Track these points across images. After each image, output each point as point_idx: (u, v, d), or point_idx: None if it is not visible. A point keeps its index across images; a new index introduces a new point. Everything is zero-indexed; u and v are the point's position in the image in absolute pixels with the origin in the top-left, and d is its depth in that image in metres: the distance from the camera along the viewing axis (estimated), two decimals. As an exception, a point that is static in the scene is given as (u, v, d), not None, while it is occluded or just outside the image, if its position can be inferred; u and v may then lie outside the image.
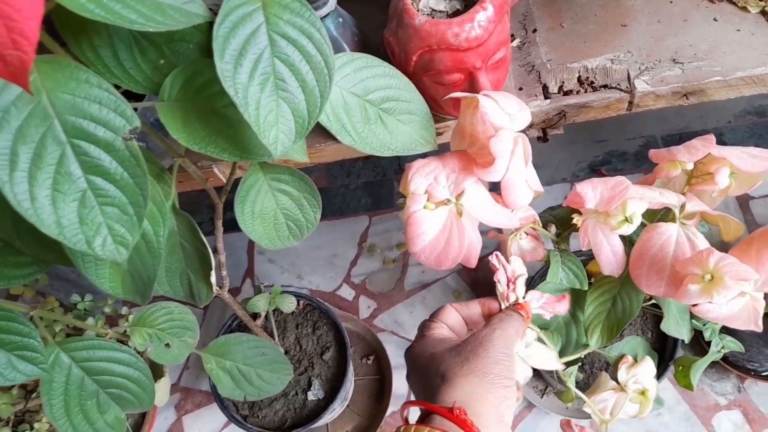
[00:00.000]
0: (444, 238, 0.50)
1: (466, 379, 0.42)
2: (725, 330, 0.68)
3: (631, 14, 0.71)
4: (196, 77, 0.46)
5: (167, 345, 0.70)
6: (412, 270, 1.27)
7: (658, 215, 0.57)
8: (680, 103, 0.66)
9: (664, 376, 0.94)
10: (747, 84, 0.64)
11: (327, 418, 1.03)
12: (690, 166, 0.55)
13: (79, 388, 0.60)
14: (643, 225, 0.53)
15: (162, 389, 0.99)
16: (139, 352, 0.65)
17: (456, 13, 0.57)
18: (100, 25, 0.41)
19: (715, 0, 0.69)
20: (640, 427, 1.08)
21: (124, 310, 1.04)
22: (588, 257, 0.58)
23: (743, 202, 1.21)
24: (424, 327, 0.50)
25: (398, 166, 1.40)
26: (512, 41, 0.71)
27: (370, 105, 0.55)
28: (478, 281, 1.25)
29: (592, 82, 0.66)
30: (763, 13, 0.67)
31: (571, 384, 0.65)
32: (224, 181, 0.69)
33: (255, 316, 0.98)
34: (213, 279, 0.63)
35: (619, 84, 0.65)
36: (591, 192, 0.52)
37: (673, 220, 0.52)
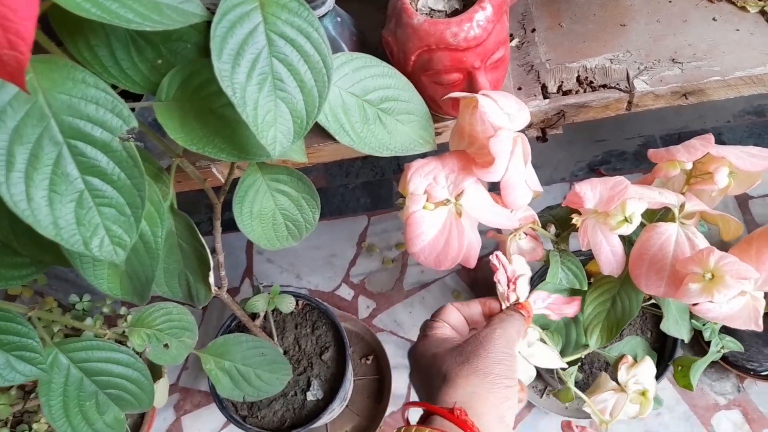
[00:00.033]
0: (443, 239, 0.50)
1: (467, 380, 0.42)
2: (725, 330, 0.68)
3: (630, 14, 0.71)
4: (193, 77, 0.46)
5: (166, 345, 0.70)
6: (411, 270, 1.27)
7: (657, 215, 0.57)
8: (679, 102, 0.66)
9: (663, 376, 0.94)
10: (746, 84, 0.64)
11: (326, 418, 1.03)
12: (689, 166, 0.55)
13: (77, 388, 0.60)
14: (642, 225, 0.53)
15: (161, 390, 0.99)
16: (137, 353, 0.65)
17: (455, 13, 0.57)
18: (97, 24, 0.41)
19: (714, 0, 0.69)
20: (640, 426, 1.07)
21: (123, 310, 1.04)
22: (587, 257, 0.58)
23: (742, 201, 1.21)
24: (426, 327, 0.50)
25: (397, 166, 1.40)
26: (511, 41, 0.71)
27: (368, 105, 0.55)
28: (477, 281, 1.24)
29: (591, 82, 0.66)
30: (762, 12, 0.67)
31: (570, 384, 0.65)
32: (222, 181, 0.69)
33: (254, 316, 0.98)
34: (211, 279, 0.63)
35: (618, 84, 0.65)
36: (590, 192, 0.52)
37: (673, 219, 0.52)
